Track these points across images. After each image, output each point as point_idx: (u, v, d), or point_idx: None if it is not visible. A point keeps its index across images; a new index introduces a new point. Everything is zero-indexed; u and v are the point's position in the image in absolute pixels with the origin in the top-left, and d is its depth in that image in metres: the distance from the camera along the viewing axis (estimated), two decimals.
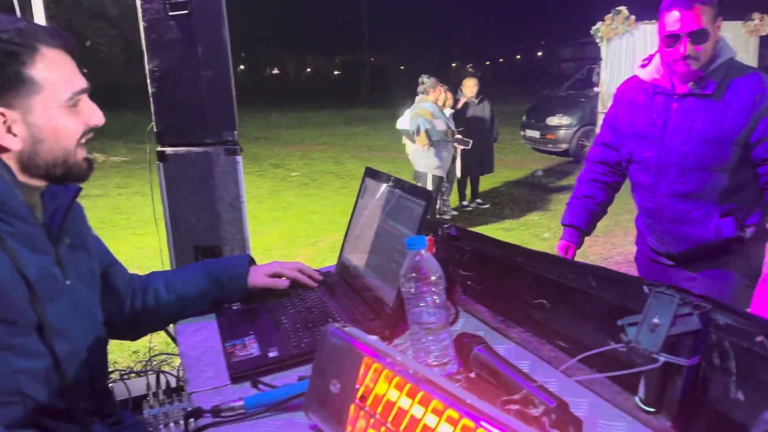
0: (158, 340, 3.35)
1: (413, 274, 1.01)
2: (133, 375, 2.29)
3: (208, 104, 2.49)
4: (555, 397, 0.85)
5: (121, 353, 3.48)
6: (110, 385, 2.17)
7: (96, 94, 1.06)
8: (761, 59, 9.86)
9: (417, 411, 0.73)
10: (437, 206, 6.31)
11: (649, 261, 2.21)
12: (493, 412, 0.67)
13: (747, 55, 9.25)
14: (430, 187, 5.89)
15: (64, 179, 1.03)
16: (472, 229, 6.55)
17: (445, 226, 1.42)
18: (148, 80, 2.44)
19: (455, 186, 7.06)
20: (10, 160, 0.97)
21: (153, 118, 2.51)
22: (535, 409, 0.81)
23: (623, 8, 9.11)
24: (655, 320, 0.72)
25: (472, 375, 0.99)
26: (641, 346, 0.71)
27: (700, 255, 2.02)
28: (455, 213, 6.94)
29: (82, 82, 1.00)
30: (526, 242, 5.74)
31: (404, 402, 0.75)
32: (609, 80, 9.39)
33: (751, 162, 1.87)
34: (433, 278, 1.01)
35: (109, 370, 2.67)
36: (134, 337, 1.42)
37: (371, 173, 1.50)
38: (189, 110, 2.48)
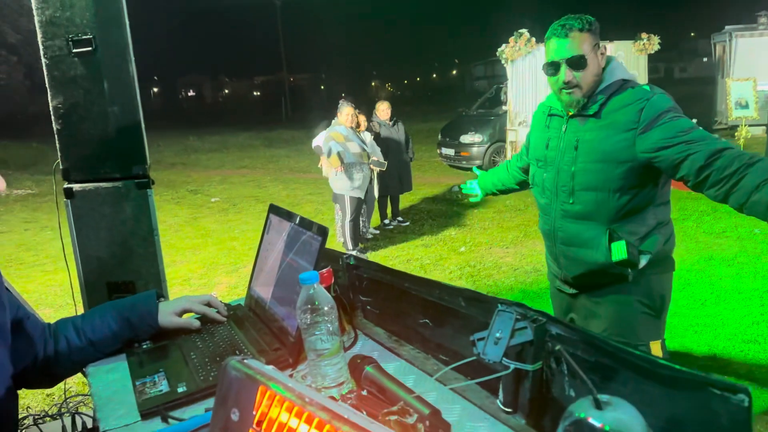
0: (73, 381, 3.26)
1: (307, 306, 1.12)
2: (48, 419, 2.25)
3: (117, 139, 2.47)
4: (429, 405, 0.99)
5: (34, 397, 3.36)
6: (24, 431, 2.12)
7: None
8: (650, 73, 10.82)
9: (303, 429, 0.84)
10: (360, 226, 6.44)
11: (557, 291, 2.18)
12: (366, 424, 0.79)
13: (637, 71, 10.11)
14: (348, 208, 6.02)
15: None
16: (394, 246, 6.62)
17: (345, 256, 1.55)
18: (53, 117, 2.41)
19: (376, 206, 7.23)
20: None
21: (59, 154, 2.48)
22: (411, 418, 0.95)
23: (524, 31, 9.71)
24: (498, 334, 0.87)
25: (364, 392, 1.12)
26: (486, 357, 0.86)
27: (595, 279, 1.98)
28: (377, 232, 7.10)
29: None
30: (444, 257, 5.98)
31: (293, 422, 0.86)
32: (515, 99, 9.99)
33: (657, 180, 1.84)
34: (325, 308, 1.12)
35: (22, 415, 2.60)
36: (50, 384, 1.42)
37: (275, 210, 1.61)
38: (97, 146, 2.45)
